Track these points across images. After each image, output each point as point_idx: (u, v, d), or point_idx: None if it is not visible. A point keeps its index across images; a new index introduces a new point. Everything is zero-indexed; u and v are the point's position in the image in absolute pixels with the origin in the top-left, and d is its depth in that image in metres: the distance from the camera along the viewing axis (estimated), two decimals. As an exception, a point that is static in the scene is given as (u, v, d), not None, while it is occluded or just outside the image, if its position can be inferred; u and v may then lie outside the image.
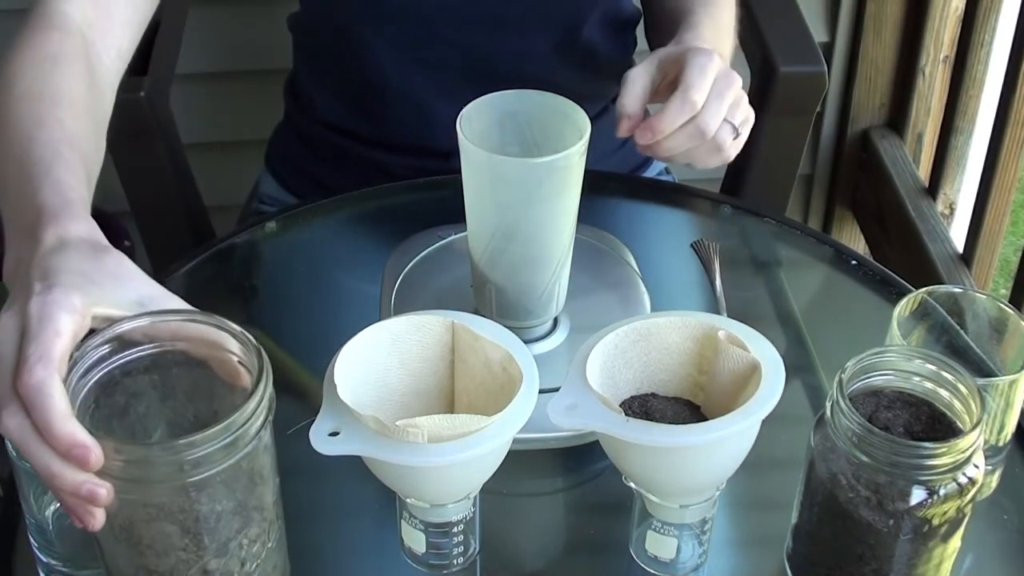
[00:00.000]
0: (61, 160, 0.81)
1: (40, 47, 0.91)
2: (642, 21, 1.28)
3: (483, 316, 0.82)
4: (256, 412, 0.68)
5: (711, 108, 0.92)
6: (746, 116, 0.97)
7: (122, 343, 0.71)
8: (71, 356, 0.68)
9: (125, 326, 0.71)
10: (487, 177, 0.88)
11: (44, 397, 0.65)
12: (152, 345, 0.72)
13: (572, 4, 1.17)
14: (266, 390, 0.69)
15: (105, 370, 0.71)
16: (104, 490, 0.65)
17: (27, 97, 0.86)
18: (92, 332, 0.70)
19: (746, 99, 0.96)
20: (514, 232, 0.89)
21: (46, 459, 0.65)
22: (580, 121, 0.88)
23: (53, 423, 0.64)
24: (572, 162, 0.87)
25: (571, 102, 0.91)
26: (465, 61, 1.17)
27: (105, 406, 0.72)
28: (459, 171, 0.89)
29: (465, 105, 0.90)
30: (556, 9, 1.16)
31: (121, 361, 0.72)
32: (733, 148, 0.97)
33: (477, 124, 0.89)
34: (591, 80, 1.24)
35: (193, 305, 0.74)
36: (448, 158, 1.22)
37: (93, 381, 0.70)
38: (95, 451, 0.64)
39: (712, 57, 0.94)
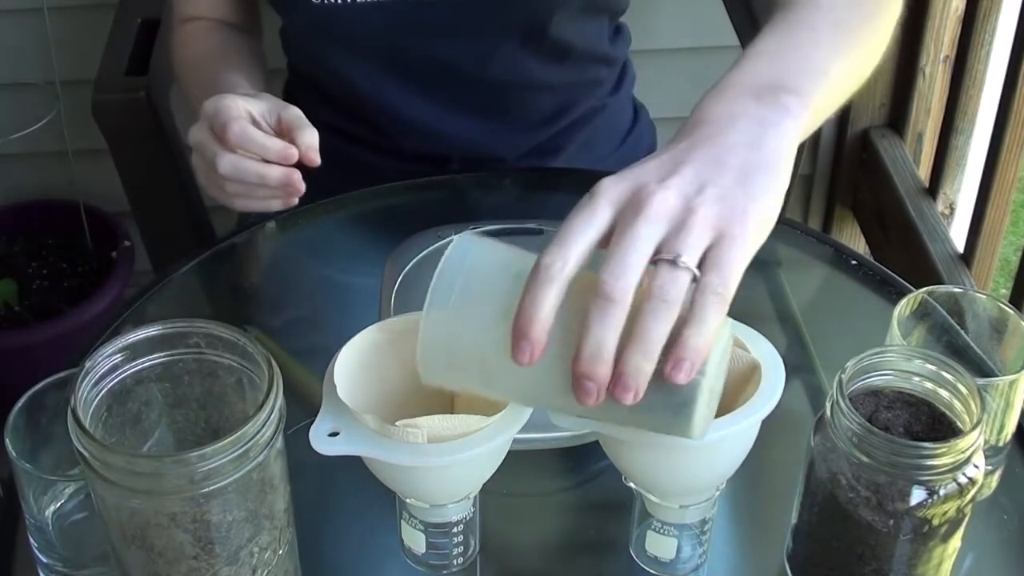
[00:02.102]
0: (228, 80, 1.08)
1: (184, 31, 1.22)
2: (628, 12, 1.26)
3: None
4: (267, 423, 0.68)
5: (618, 254, 0.64)
6: (714, 241, 0.66)
7: (134, 352, 0.72)
8: (84, 368, 0.70)
9: (136, 335, 0.72)
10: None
11: (250, 133, 0.94)
12: (163, 354, 0.73)
13: (534, 6, 1.14)
14: (276, 401, 0.69)
15: (117, 379, 0.72)
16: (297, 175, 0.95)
17: (194, 64, 1.17)
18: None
19: (728, 218, 0.66)
20: None
21: (261, 169, 0.94)
22: None
23: (267, 144, 0.94)
24: None
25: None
26: (428, 67, 1.17)
27: (117, 414, 0.72)
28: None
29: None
30: (515, 13, 1.14)
31: (133, 370, 0.72)
32: (707, 302, 0.65)
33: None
34: (568, 72, 1.22)
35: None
36: (444, 163, 1.23)
37: (105, 390, 0.71)
38: (293, 149, 0.94)
39: (639, 185, 0.67)
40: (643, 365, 0.63)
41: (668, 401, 0.66)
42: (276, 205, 0.98)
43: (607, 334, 0.63)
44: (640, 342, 0.63)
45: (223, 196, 0.98)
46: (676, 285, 0.64)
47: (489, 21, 1.13)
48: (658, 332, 0.63)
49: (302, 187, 0.96)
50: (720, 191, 0.67)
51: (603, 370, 0.63)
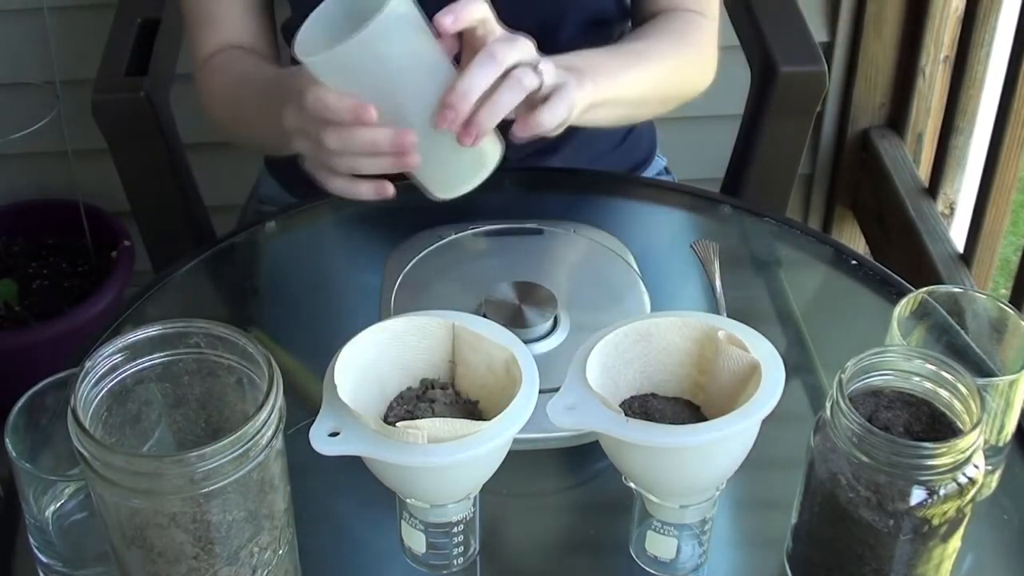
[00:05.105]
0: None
1: (211, 66, 1.16)
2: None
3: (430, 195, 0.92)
4: (267, 423, 0.68)
5: (498, 43, 0.89)
6: (545, 68, 0.92)
7: (134, 352, 0.72)
8: (84, 368, 0.70)
9: (136, 335, 0.72)
10: (340, 76, 0.86)
11: (326, 102, 0.88)
12: (163, 354, 0.73)
13: (545, 9, 1.14)
14: (276, 401, 0.69)
15: (117, 379, 0.72)
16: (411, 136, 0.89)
17: (237, 83, 1.13)
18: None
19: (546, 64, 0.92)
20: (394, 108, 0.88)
21: (369, 135, 0.89)
22: None
23: (358, 109, 0.87)
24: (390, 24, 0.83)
25: None
26: None
27: (117, 414, 0.73)
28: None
29: None
30: (527, 15, 1.14)
31: (133, 370, 0.72)
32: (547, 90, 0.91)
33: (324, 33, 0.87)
34: None
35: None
36: None
37: (105, 390, 0.71)
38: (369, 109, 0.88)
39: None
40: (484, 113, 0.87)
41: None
42: (368, 193, 0.94)
43: (480, 81, 0.87)
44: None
45: (330, 178, 0.94)
46: (527, 74, 0.89)
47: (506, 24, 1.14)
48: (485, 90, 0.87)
49: (415, 157, 0.90)
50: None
51: (465, 104, 0.86)
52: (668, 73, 1.11)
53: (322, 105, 0.89)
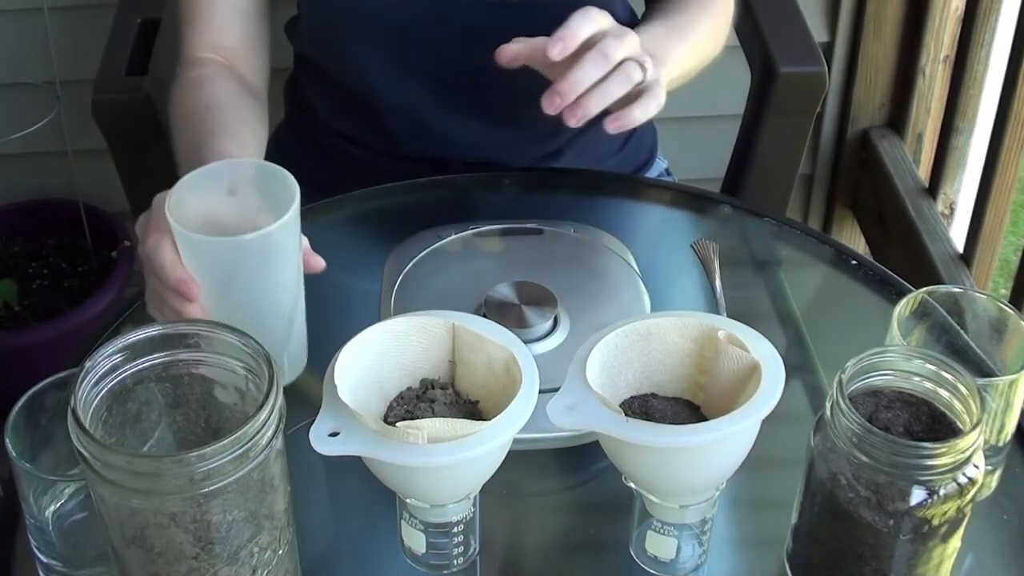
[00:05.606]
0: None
1: (188, 78, 1.13)
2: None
3: None
4: (267, 424, 0.68)
5: (610, 40, 0.94)
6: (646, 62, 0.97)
7: (134, 352, 0.72)
8: (84, 368, 0.70)
9: (136, 335, 0.72)
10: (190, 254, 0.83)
11: (160, 262, 0.84)
12: (163, 354, 0.73)
13: (560, 12, 1.15)
14: (276, 401, 0.69)
15: (117, 379, 0.72)
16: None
17: (188, 115, 1.08)
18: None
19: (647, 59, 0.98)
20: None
21: (173, 301, 0.84)
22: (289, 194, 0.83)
23: (181, 286, 0.83)
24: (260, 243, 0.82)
25: (288, 174, 0.85)
26: (454, 71, 1.16)
27: (117, 414, 0.73)
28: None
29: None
30: (544, 18, 1.14)
31: (133, 370, 0.72)
32: (645, 80, 0.96)
33: (201, 196, 0.85)
34: None
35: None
36: (446, 166, 1.23)
37: (105, 390, 0.71)
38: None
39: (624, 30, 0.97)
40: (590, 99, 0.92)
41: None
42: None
43: (590, 76, 0.92)
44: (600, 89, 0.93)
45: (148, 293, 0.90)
46: (635, 69, 0.95)
47: (519, 28, 1.13)
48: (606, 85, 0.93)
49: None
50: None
51: (573, 94, 0.91)
52: (700, 48, 1.15)
53: (154, 262, 0.85)
